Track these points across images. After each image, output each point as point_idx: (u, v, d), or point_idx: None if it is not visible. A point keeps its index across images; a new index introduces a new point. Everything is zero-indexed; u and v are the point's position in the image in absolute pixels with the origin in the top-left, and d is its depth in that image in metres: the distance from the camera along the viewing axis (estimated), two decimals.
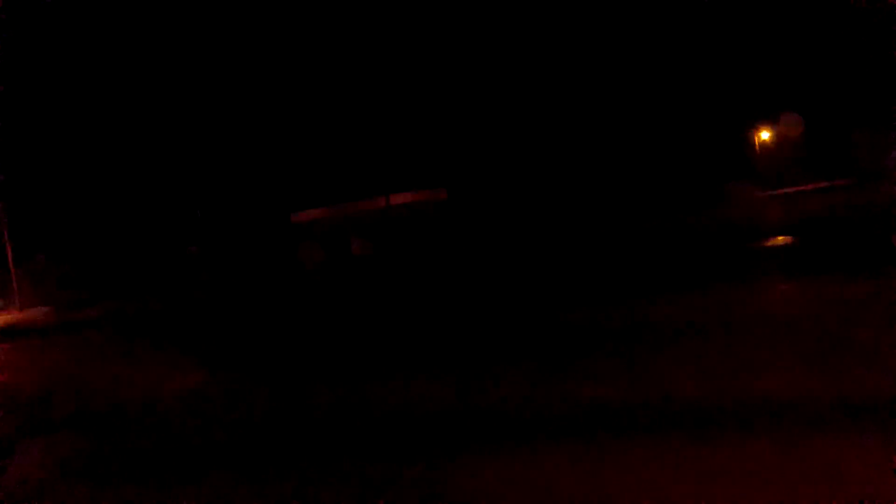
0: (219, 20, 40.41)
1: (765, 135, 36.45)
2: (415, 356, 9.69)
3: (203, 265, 36.22)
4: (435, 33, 33.57)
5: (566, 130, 30.44)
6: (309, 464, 5.72)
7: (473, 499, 4.70)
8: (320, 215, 27.14)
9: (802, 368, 6.56)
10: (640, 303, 11.46)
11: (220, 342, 14.41)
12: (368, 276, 23.41)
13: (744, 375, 6.54)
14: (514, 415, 6.36)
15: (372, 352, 10.52)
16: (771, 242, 17.29)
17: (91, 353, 15.93)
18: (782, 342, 7.70)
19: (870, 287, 9.81)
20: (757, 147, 36.30)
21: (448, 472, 5.22)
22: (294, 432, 6.85)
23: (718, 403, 5.83)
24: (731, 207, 26.30)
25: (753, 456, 4.72)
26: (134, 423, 8.14)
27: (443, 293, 17.35)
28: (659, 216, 25.06)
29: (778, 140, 35.13)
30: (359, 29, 35.34)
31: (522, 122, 30.55)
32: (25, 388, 11.42)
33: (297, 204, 29.92)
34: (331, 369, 9.74)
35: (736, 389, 6.16)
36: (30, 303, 35.53)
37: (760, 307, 10.04)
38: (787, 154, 32.71)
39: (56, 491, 5.92)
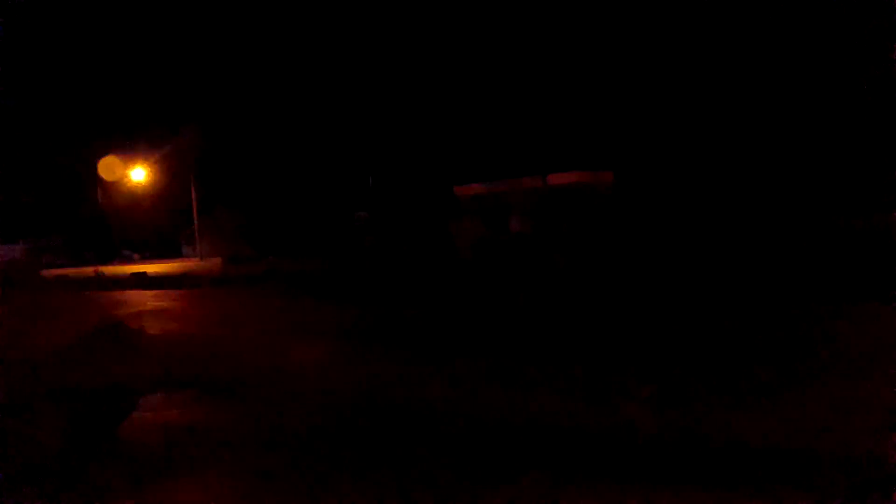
0: None
1: None
2: (564, 347, 8.83)
3: (369, 230, 37.04)
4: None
5: (758, 116, 27.86)
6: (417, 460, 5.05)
7: None
8: (482, 190, 26.56)
9: None
10: (824, 312, 9.97)
11: (374, 308, 14.28)
12: (526, 255, 22.59)
13: None
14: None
15: (525, 338, 9.77)
16: None
17: (244, 310, 16.34)
18: None
19: None
20: None
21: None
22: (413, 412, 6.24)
23: None
24: None
25: None
26: (259, 387, 7.89)
27: (601, 284, 16.19)
28: (844, 215, 22.28)
29: None
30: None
31: (706, 106, 28.33)
32: (173, 340, 11.67)
33: (461, 177, 29.58)
34: (479, 349, 9.10)
35: None
36: (207, 252, 37.94)
37: None
38: None
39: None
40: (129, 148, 43.63)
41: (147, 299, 19.06)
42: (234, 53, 41.76)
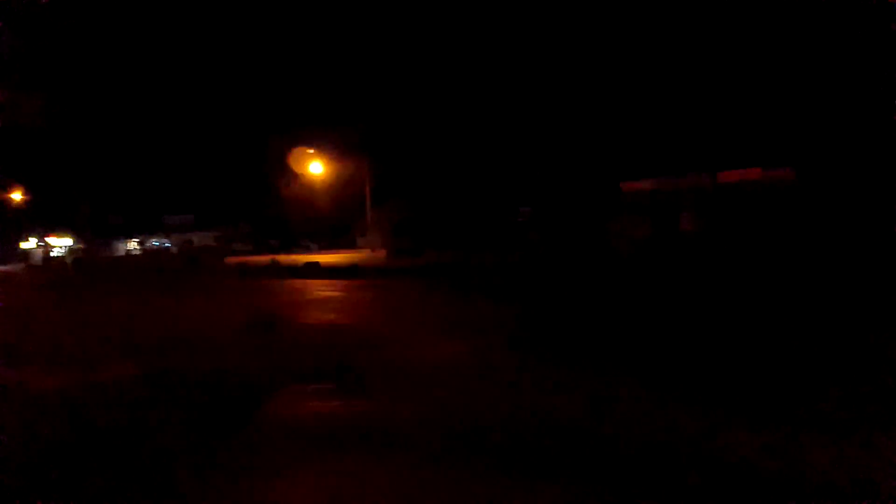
0: None
1: None
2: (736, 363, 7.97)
3: (532, 226, 36.68)
4: None
5: None
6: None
7: None
8: (649, 187, 25.40)
9: None
10: None
11: (532, 306, 13.89)
12: (696, 257, 21.20)
13: None
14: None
15: (694, 350, 8.94)
16: None
17: (399, 302, 16.49)
18: None
19: None
20: None
21: None
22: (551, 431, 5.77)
23: None
24: None
25: None
26: (400, 382, 7.74)
27: (780, 289, 14.74)
28: None
29: None
30: None
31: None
32: (325, 329, 11.90)
33: (628, 173, 28.54)
34: (641, 359, 8.42)
35: None
36: (378, 244, 39.18)
37: None
38: None
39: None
40: (308, 142, 46.04)
41: (314, 288, 19.82)
42: (407, 54, 42.79)
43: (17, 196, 62.52)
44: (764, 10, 29.88)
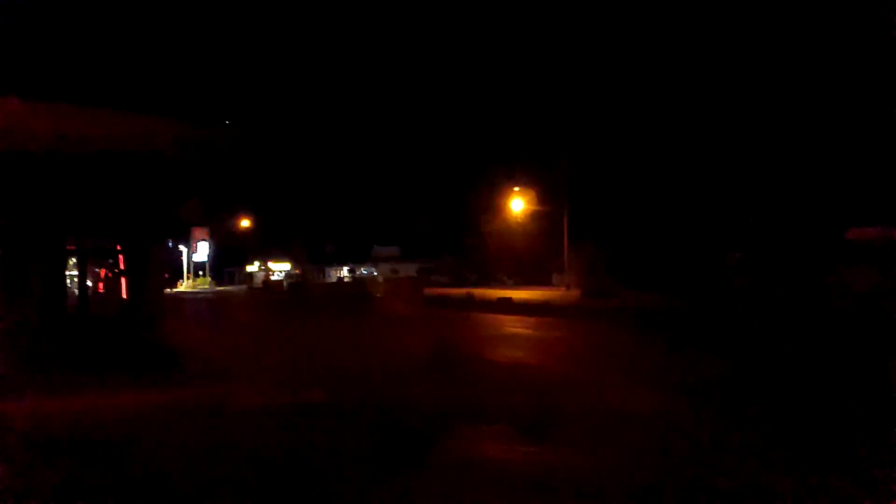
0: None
1: None
2: None
3: (740, 271, 34.28)
4: None
5: None
6: None
7: None
8: (882, 235, 22.83)
9: None
10: None
11: (735, 360, 12.76)
12: None
13: None
14: None
15: None
16: None
17: (585, 344, 15.93)
18: None
19: None
20: None
21: None
22: None
23: None
24: None
25: None
26: (582, 433, 7.33)
27: None
28: None
29: None
30: None
31: None
32: (508, 368, 11.69)
33: (854, 219, 25.88)
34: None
35: None
36: (573, 283, 38.52)
37: None
38: None
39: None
40: (509, 180, 46.62)
41: (504, 324, 19.77)
42: (609, 94, 42.15)
43: (244, 223, 69.07)
44: None
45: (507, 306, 25.60)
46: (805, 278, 27.04)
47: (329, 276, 74.01)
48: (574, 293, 33.11)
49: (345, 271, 75.24)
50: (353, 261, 75.65)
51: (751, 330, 17.45)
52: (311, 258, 72.42)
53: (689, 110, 38.07)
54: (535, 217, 46.09)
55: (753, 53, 36.55)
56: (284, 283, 56.31)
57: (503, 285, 47.82)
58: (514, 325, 19.17)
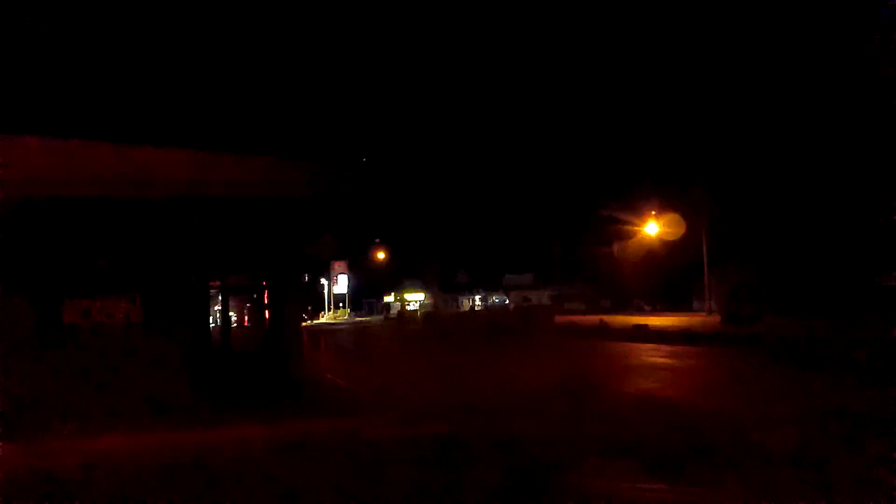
0: None
1: None
2: None
3: None
4: None
5: None
6: None
7: None
8: None
9: None
10: None
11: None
12: None
13: None
14: None
15: None
16: None
17: (731, 375, 15.17)
18: None
19: None
20: None
21: None
22: None
23: None
24: None
25: None
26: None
27: None
28: None
29: None
30: None
31: None
32: (630, 402, 11.34)
33: None
34: None
35: None
36: (715, 308, 36.83)
37: None
38: None
39: None
40: (645, 202, 45.40)
41: (638, 352, 19.19)
42: (744, 114, 40.36)
43: (381, 255, 71.21)
44: None
45: (643, 334, 24.80)
46: None
47: (461, 304, 74.71)
48: (714, 319, 31.68)
49: (477, 299, 75.72)
50: (486, 289, 76.02)
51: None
52: (443, 287, 73.40)
53: (830, 122, 35.80)
54: (673, 240, 44.57)
55: None
56: (418, 313, 57.35)
57: (640, 311, 46.47)
58: (649, 354, 18.54)
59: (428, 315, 52.20)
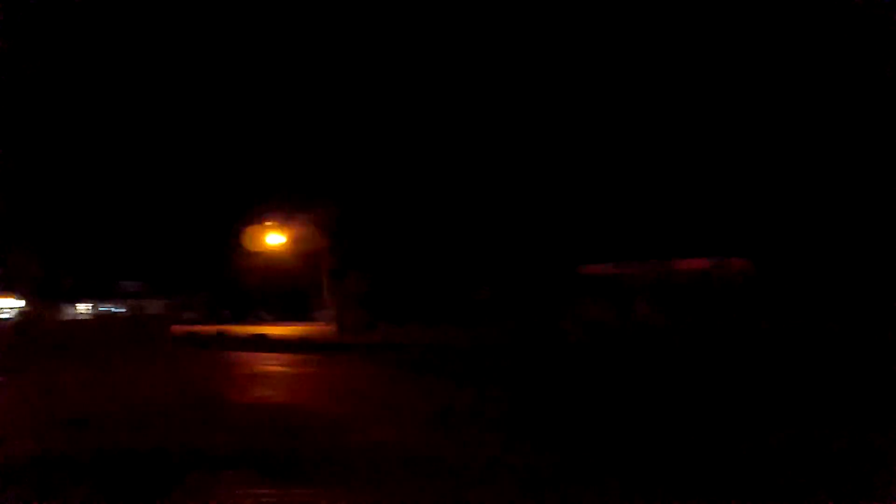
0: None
1: None
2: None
3: (489, 307, 36.19)
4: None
5: None
6: None
7: None
8: (610, 271, 25.38)
9: None
10: None
11: (469, 387, 13.28)
12: (652, 344, 20.85)
13: None
14: None
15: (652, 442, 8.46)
16: None
17: (337, 380, 15.87)
18: None
19: None
20: None
21: None
22: None
23: None
24: None
25: None
26: (323, 470, 7.16)
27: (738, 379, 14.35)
28: None
29: None
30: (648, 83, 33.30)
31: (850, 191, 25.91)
32: (255, 409, 11.28)
33: (586, 256, 28.62)
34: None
35: None
36: (333, 317, 38.34)
37: None
38: None
39: None
40: (267, 213, 45.54)
41: (256, 362, 19.14)
42: (367, 131, 43.17)
43: None
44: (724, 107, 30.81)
45: (262, 343, 24.85)
46: (544, 309, 29.18)
47: (66, 312, 67.08)
48: (333, 327, 32.97)
49: (86, 307, 68.72)
50: (98, 296, 69.43)
51: (495, 360, 18.46)
52: (43, 293, 65.15)
53: (429, 157, 40.02)
54: (295, 251, 45.37)
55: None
56: (13, 321, 50.02)
57: (261, 321, 46.40)
58: (267, 363, 18.62)
59: (20, 324, 45.79)
